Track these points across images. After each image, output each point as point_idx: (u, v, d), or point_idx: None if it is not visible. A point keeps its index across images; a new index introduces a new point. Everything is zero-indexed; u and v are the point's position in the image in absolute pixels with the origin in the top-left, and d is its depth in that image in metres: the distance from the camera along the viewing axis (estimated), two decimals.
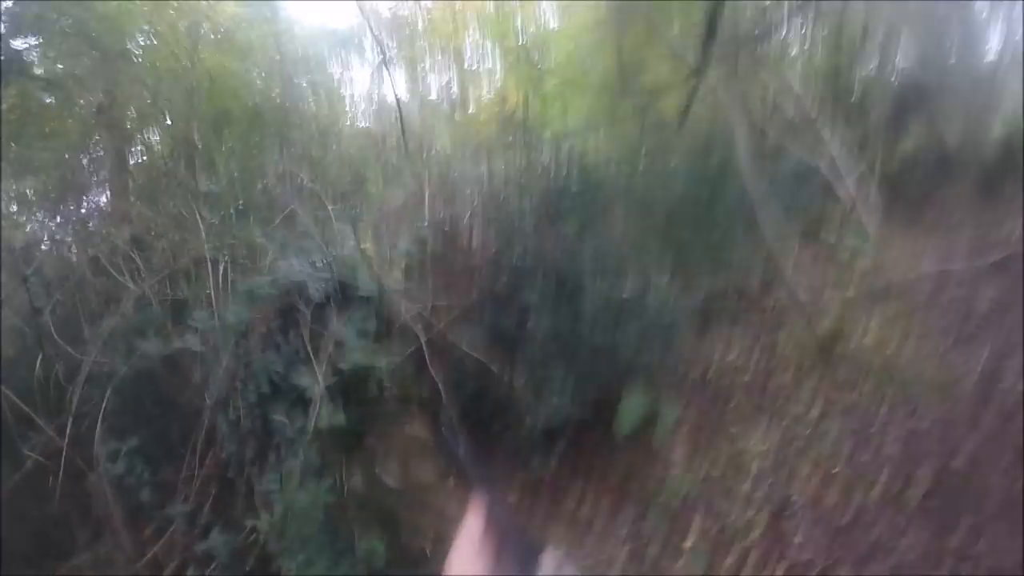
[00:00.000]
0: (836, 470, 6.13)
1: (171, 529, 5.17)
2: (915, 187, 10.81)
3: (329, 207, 7.07)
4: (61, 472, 5.17)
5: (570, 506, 6.61)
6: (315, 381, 5.21)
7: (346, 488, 5.38)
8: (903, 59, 12.36)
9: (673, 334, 7.28)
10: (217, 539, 4.96)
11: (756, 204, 7.70)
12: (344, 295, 5.80)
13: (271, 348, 5.62)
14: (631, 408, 6.74)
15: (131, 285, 6.02)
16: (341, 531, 5.16)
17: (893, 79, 12.11)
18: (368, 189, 8.51)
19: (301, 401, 5.29)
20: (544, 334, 6.75)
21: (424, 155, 8.47)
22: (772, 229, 7.95)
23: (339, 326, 5.54)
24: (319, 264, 5.91)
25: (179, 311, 5.95)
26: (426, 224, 7.55)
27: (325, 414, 5.15)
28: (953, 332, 7.78)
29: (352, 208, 8.06)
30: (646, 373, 6.92)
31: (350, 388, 5.46)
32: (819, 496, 5.91)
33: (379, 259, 6.44)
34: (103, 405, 5.32)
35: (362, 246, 6.34)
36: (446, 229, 7.62)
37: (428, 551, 5.15)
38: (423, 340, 6.09)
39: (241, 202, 7.47)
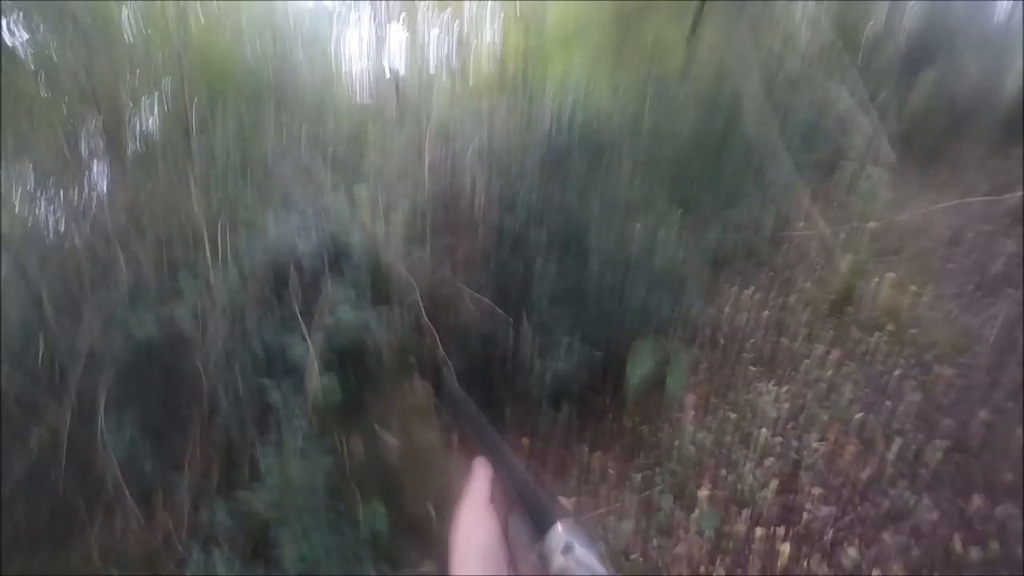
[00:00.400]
0: (850, 431, 5.68)
1: (175, 503, 5.04)
2: (927, 143, 10.24)
3: (327, 175, 6.83)
4: (64, 451, 5.06)
5: (579, 466, 6.24)
6: (306, 350, 4.95)
7: (347, 453, 5.15)
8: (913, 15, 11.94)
9: (683, 287, 6.88)
10: (220, 511, 4.72)
11: (765, 157, 7.33)
12: (338, 260, 5.46)
13: (264, 315, 5.36)
14: (643, 354, 6.41)
15: (122, 261, 5.77)
16: (343, 496, 4.91)
17: (902, 34, 11.59)
18: (368, 157, 8.16)
19: (295, 369, 5.00)
20: (551, 291, 6.41)
21: (424, 122, 8.12)
22: (782, 183, 7.60)
23: (335, 289, 5.27)
24: (314, 230, 5.62)
25: (175, 282, 5.64)
26: (427, 184, 7.23)
27: (318, 382, 4.87)
28: (968, 289, 7.32)
29: (351, 176, 7.78)
30: (656, 328, 6.53)
31: (347, 353, 5.17)
32: (833, 457, 5.50)
33: (376, 223, 6.13)
34: (102, 381, 5.14)
35: (361, 212, 6.03)
36: (448, 189, 7.31)
37: (432, 512, 4.91)
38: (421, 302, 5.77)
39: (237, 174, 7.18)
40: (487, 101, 8.06)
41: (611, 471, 5.98)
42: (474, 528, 0.92)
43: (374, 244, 5.65)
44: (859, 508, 4.96)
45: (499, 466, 1.02)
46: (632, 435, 6.31)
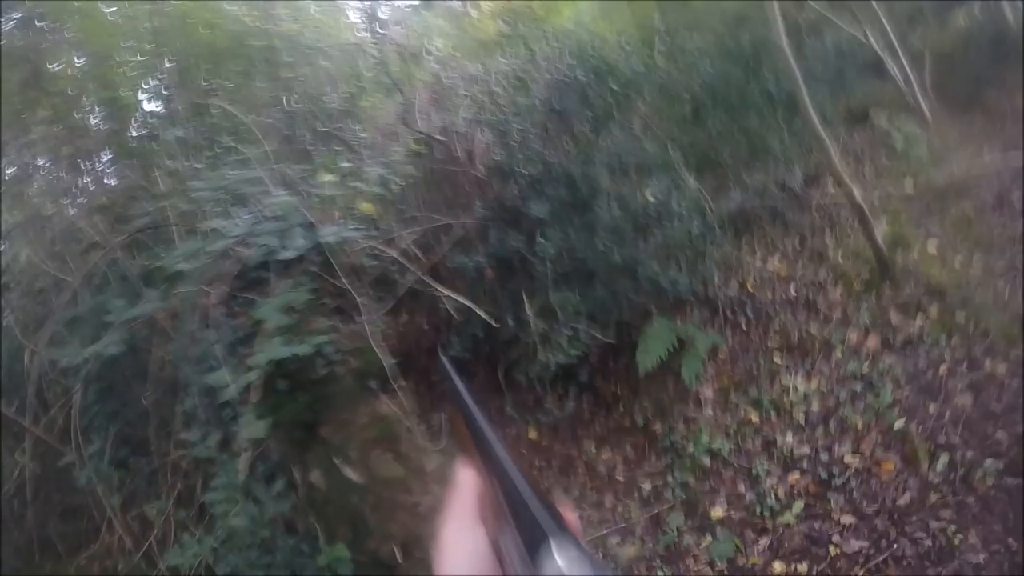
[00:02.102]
0: (888, 443, 4.60)
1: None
2: (971, 67, 8.69)
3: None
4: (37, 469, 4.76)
5: (585, 465, 5.33)
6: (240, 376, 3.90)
7: (301, 489, 4.20)
8: None
9: (703, 244, 5.80)
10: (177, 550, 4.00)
11: (796, 85, 5.93)
12: (294, 264, 4.33)
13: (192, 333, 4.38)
14: (655, 338, 5.38)
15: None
16: (300, 537, 4.02)
17: None
18: (360, 104, 7.10)
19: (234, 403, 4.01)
20: (554, 253, 5.45)
21: (421, 63, 7.06)
22: (808, 138, 6.22)
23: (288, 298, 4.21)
24: (266, 214, 4.49)
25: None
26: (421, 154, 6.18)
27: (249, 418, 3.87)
28: (1020, 262, 5.94)
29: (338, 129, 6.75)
30: (673, 294, 5.47)
31: (294, 372, 4.15)
32: (868, 476, 4.42)
33: (349, 192, 5.03)
34: (74, 400, 4.60)
35: (326, 178, 4.89)
36: (440, 139, 6.20)
37: (399, 556, 3.99)
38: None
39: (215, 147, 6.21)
40: (487, 60, 6.85)
41: (619, 477, 5.07)
42: (458, 547, 0.70)
43: (341, 242, 4.54)
44: (895, 544, 3.92)
45: (489, 467, 0.75)
46: (644, 433, 5.36)
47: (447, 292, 4.91)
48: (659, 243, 5.50)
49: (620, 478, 5.07)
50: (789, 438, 4.75)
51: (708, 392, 5.28)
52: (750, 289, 6.07)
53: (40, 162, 6.83)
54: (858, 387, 4.99)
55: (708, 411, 5.18)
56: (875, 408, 4.76)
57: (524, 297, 5.53)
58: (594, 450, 5.33)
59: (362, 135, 6.86)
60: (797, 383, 5.15)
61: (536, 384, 5.58)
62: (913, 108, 7.51)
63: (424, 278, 4.86)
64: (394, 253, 4.88)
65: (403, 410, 4.59)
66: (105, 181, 6.88)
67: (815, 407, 4.96)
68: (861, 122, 8.13)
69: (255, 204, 4.49)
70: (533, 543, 0.59)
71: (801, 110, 6.00)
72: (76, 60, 7.49)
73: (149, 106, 7.74)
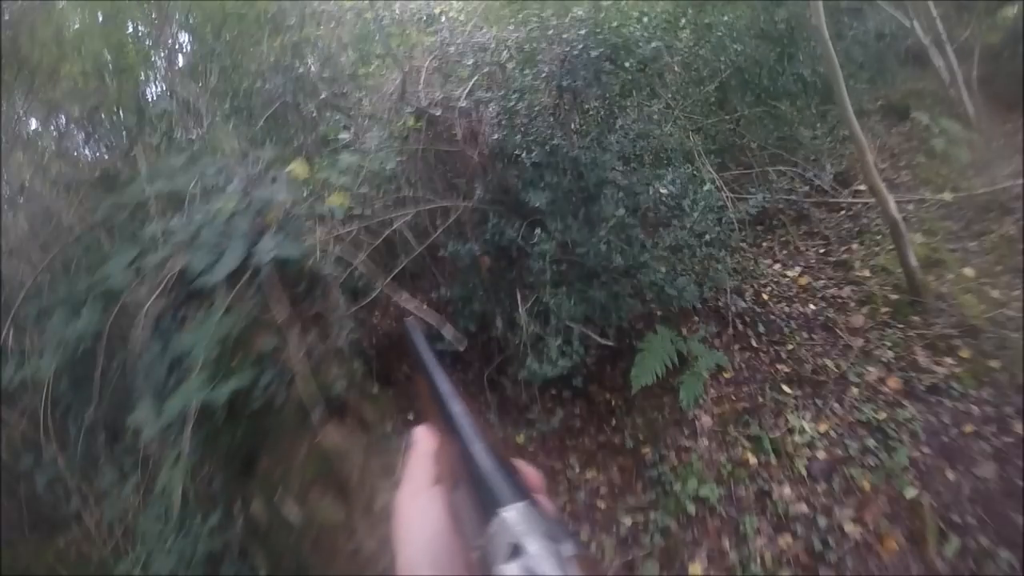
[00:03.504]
0: (895, 513, 3.71)
1: None
2: (1009, 91, 7.58)
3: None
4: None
5: (567, 485, 4.57)
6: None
7: (239, 524, 3.52)
8: None
9: (718, 247, 4.93)
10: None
11: (833, 71, 4.95)
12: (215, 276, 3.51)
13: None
14: (654, 351, 4.57)
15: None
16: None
17: None
18: (366, 71, 6.26)
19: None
20: (551, 249, 4.61)
21: (435, 27, 6.21)
22: (851, 104, 5.21)
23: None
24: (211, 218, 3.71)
25: None
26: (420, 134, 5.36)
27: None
28: None
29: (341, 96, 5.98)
30: (678, 304, 4.62)
31: (231, 400, 3.42)
32: (867, 553, 3.54)
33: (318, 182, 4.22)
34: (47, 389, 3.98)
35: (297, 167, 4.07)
36: (438, 114, 5.37)
37: None
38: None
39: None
40: (500, 28, 5.95)
41: (600, 504, 4.31)
42: (414, 509, 0.67)
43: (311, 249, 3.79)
44: None
45: (449, 432, 0.70)
46: (632, 457, 4.58)
47: (410, 301, 4.14)
48: (668, 244, 4.66)
49: (601, 506, 4.33)
50: (787, 491, 3.94)
51: (706, 419, 4.48)
52: (765, 299, 5.18)
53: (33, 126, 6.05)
54: (871, 440, 4.07)
55: (703, 442, 4.38)
56: (887, 468, 3.87)
57: (518, 294, 4.76)
58: (579, 468, 4.60)
59: (365, 104, 6.06)
60: (804, 423, 4.29)
61: (523, 391, 4.85)
62: (956, 105, 6.48)
63: (386, 287, 4.03)
64: (362, 256, 4.06)
65: (365, 427, 3.91)
66: (96, 153, 6.11)
67: (820, 455, 4.10)
68: (899, 117, 7.15)
69: (205, 202, 3.73)
70: (487, 508, 0.54)
71: (837, 100, 5.05)
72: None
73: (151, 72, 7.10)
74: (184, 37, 7.43)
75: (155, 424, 3.23)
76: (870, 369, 4.51)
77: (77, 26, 6.89)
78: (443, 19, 6.37)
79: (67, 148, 5.84)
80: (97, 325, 3.75)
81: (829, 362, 4.61)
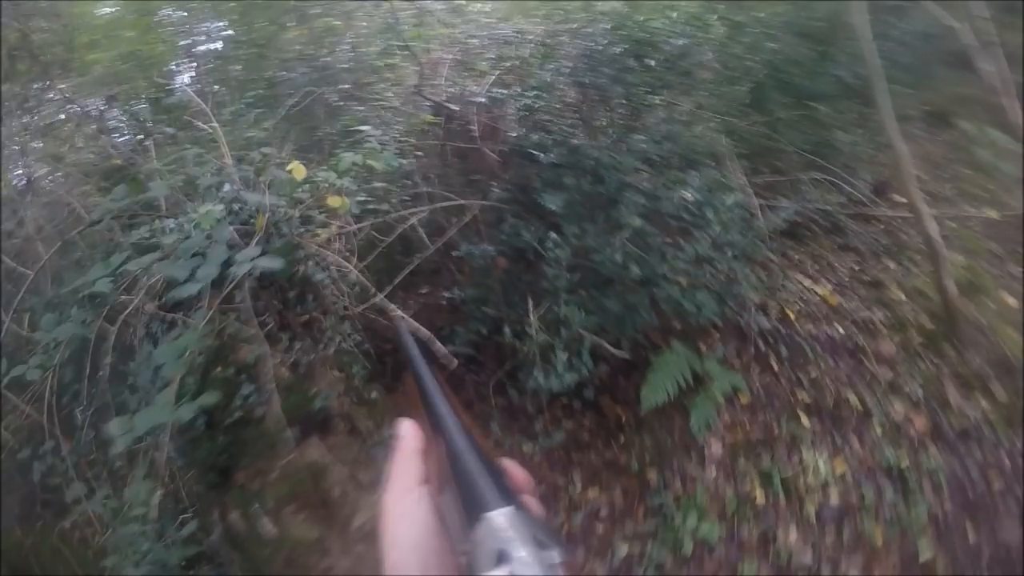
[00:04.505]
0: (922, 553, 3.22)
1: None
2: None
3: None
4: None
5: (569, 496, 4.21)
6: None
7: (217, 534, 3.20)
8: None
9: (743, 260, 4.44)
10: None
11: (874, 73, 4.40)
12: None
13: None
14: (666, 370, 4.12)
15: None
16: None
17: None
18: (390, 64, 5.85)
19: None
20: (566, 255, 4.21)
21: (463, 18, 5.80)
22: (890, 109, 4.62)
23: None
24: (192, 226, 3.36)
25: None
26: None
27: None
28: None
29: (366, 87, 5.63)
30: (695, 320, 4.15)
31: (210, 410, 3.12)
32: None
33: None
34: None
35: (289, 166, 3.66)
36: (456, 109, 4.95)
37: None
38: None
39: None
40: (523, 21, 5.50)
41: (598, 528, 3.89)
42: (405, 519, 0.62)
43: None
44: None
45: (437, 431, 0.68)
46: (637, 479, 4.17)
47: (400, 314, 3.74)
48: (690, 255, 4.18)
49: (599, 530, 3.95)
50: (792, 535, 3.47)
51: (716, 447, 4.02)
52: (791, 317, 4.65)
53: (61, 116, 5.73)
54: (890, 489, 3.53)
55: (711, 472, 3.93)
56: (903, 522, 3.35)
57: (529, 299, 4.35)
58: (582, 486, 4.21)
59: (389, 95, 5.67)
60: (820, 461, 3.77)
61: (531, 400, 4.46)
62: (1005, 115, 5.86)
63: (381, 299, 3.62)
64: (355, 262, 3.66)
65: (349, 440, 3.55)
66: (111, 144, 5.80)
67: (833, 500, 3.58)
68: (943, 124, 6.52)
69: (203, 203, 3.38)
70: (474, 510, 0.52)
71: (877, 104, 4.50)
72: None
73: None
74: (212, 25, 7.14)
75: (126, 438, 2.91)
76: (896, 405, 3.95)
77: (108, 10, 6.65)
78: (469, 11, 5.93)
79: (80, 138, 5.48)
80: (85, 330, 3.43)
81: (853, 394, 4.08)
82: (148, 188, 3.76)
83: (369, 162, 3.94)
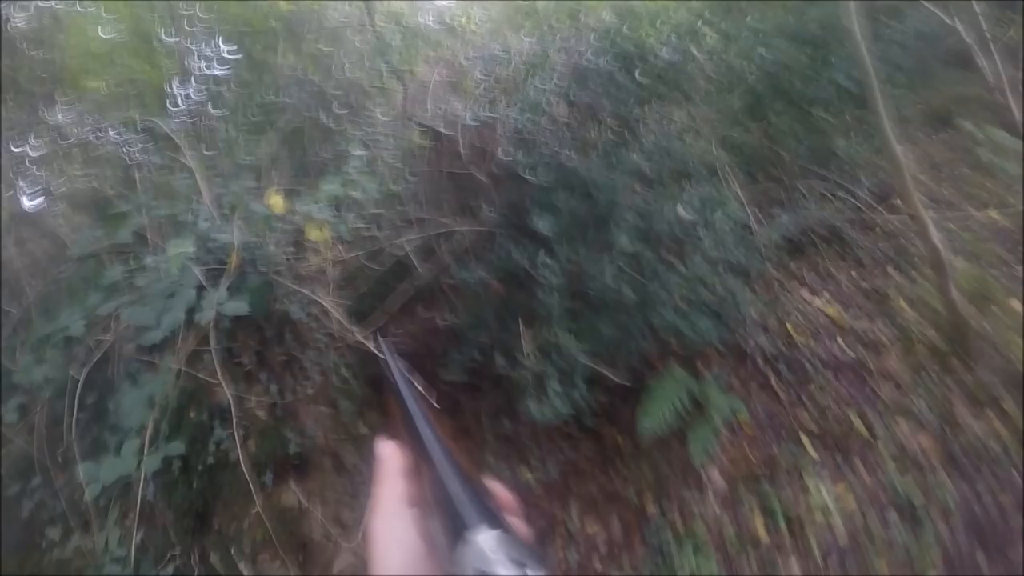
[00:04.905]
0: None
1: None
2: None
3: None
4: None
5: (567, 529, 4.02)
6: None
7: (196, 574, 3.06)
8: None
9: (740, 278, 4.23)
10: None
11: (867, 76, 4.14)
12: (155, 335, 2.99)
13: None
14: (664, 395, 3.93)
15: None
16: None
17: None
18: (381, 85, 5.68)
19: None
20: (559, 280, 4.02)
21: (457, 37, 5.63)
22: (888, 115, 4.38)
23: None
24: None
25: None
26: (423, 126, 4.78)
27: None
28: None
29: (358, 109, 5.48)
30: (693, 341, 3.94)
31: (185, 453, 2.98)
32: None
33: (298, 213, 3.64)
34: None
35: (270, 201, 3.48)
36: (445, 131, 4.77)
37: None
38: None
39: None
40: (514, 38, 5.30)
41: (595, 563, 3.76)
42: (392, 541, 0.62)
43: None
44: None
45: (420, 453, 0.67)
46: (635, 512, 3.99)
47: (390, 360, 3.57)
48: (686, 275, 3.98)
49: (596, 566, 3.74)
50: (795, 569, 3.25)
51: (716, 476, 3.82)
52: (791, 333, 4.43)
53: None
54: (896, 517, 3.27)
55: (711, 504, 3.72)
56: (909, 551, 3.11)
57: (521, 325, 4.17)
58: (579, 520, 4.02)
59: (381, 118, 5.50)
60: (823, 486, 3.54)
61: (527, 428, 4.28)
62: (1004, 112, 5.61)
63: (357, 336, 3.45)
64: (331, 294, 3.49)
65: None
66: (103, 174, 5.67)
67: (838, 529, 3.34)
68: (942, 123, 6.28)
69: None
70: (458, 531, 0.52)
71: (872, 108, 4.27)
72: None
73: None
74: (211, 50, 7.02)
75: (93, 487, 2.80)
76: (903, 426, 3.70)
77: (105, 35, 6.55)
78: (458, 29, 5.75)
79: (75, 167, 5.36)
80: (61, 372, 3.30)
81: (857, 416, 3.84)
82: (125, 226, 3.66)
83: (351, 193, 3.80)
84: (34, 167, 5.28)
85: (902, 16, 6.08)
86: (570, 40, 4.76)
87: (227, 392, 2.88)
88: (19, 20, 5.65)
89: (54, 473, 3.64)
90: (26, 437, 3.53)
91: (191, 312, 2.82)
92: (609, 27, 4.73)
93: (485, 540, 0.49)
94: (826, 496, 3.49)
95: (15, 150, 5.02)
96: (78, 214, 4.76)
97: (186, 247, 2.97)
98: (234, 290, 3.03)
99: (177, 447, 2.83)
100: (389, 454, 0.68)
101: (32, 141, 5.13)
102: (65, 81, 5.91)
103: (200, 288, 2.97)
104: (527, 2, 5.86)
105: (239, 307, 2.82)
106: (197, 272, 2.90)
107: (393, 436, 0.71)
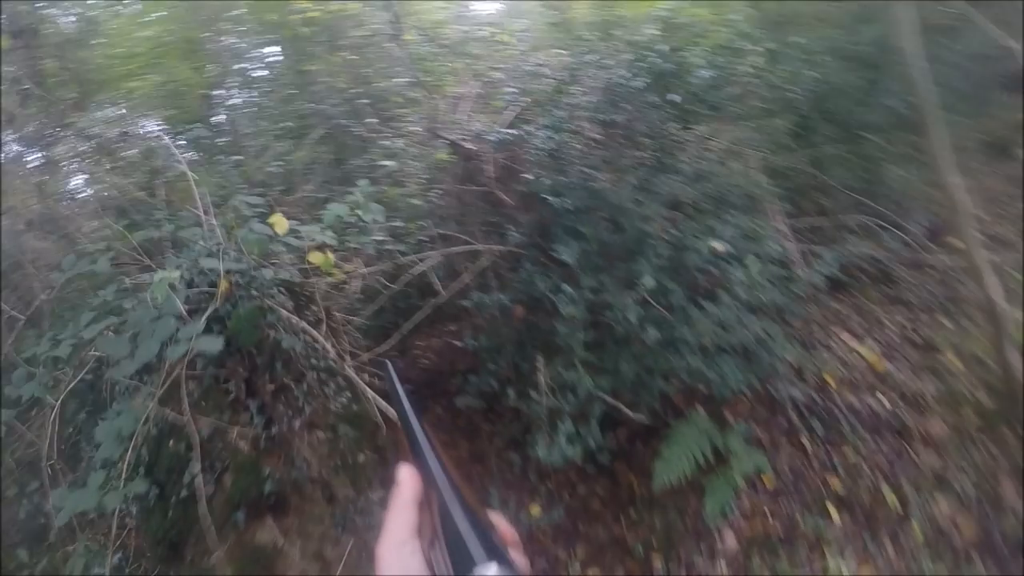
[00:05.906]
0: None
1: None
2: None
3: None
4: None
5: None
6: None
7: None
8: None
9: (778, 318, 3.75)
10: None
11: (925, 101, 3.58)
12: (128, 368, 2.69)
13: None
14: (684, 443, 3.49)
15: None
16: None
17: None
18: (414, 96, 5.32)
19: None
20: (579, 313, 3.61)
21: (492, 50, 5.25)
22: (946, 141, 3.79)
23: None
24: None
25: None
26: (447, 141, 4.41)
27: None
28: None
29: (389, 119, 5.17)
30: (719, 391, 3.47)
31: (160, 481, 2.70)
32: None
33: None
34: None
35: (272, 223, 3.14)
36: (471, 148, 4.39)
37: None
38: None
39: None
40: (543, 55, 4.88)
41: None
42: (394, 565, 0.59)
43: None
44: None
45: (425, 482, 0.64)
46: (641, 567, 3.51)
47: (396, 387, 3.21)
48: (716, 314, 3.52)
49: None
50: None
51: (730, 538, 3.34)
52: (829, 384, 3.89)
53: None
54: None
55: (720, 569, 3.24)
56: None
57: (539, 356, 3.77)
58: (582, 566, 3.63)
59: (412, 128, 5.15)
60: (844, 567, 2.99)
61: (534, 470, 3.94)
62: None
63: (348, 370, 3.09)
64: (323, 338, 3.11)
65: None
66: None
67: None
68: (1002, 154, 5.64)
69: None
70: (462, 566, 0.52)
71: (931, 135, 3.71)
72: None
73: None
74: (256, 53, 6.78)
75: (62, 516, 2.53)
76: (941, 504, 3.13)
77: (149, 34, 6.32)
78: (495, 42, 5.34)
79: (100, 171, 5.10)
80: (47, 391, 3.02)
81: (891, 486, 3.28)
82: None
83: (357, 212, 3.44)
84: (63, 167, 5.05)
85: (959, 37, 5.48)
86: (606, 57, 4.32)
87: (195, 431, 2.56)
88: (57, 21, 5.44)
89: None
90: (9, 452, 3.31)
91: (164, 346, 2.50)
92: (648, 43, 4.27)
93: (487, 573, 0.48)
94: (872, 532, 2.99)
95: (42, 153, 4.79)
96: (94, 220, 4.49)
97: (171, 275, 2.64)
98: (220, 318, 2.72)
99: (140, 485, 2.55)
100: (406, 479, 0.64)
101: (60, 144, 4.90)
102: (102, 83, 5.71)
103: (184, 317, 2.65)
104: (566, 16, 5.41)
105: (214, 343, 2.50)
106: (179, 303, 2.57)
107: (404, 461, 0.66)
